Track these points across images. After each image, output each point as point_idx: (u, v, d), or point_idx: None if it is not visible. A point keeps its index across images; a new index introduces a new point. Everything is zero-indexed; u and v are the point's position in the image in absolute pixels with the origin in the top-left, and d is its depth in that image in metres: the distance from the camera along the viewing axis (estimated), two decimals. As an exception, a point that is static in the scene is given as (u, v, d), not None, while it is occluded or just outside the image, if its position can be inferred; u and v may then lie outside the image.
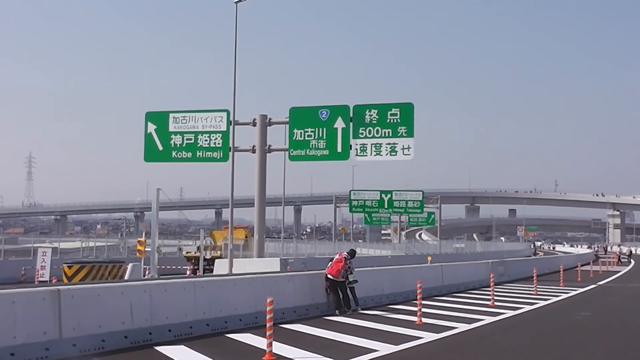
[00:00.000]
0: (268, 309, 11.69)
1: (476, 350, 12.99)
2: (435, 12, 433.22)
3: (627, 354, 12.50)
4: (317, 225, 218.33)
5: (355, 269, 19.43)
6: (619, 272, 47.55)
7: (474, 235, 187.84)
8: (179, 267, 42.84)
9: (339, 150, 31.87)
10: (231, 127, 32.63)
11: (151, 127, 34.08)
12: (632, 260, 70.78)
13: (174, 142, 33.73)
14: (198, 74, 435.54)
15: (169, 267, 42.66)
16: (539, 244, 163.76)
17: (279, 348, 12.06)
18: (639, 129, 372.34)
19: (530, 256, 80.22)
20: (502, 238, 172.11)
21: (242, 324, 15.11)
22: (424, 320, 16.50)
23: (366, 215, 78.79)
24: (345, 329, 15.28)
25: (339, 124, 31.85)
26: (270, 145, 33.66)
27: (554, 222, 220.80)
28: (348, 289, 18.96)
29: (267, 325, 11.53)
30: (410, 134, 31.26)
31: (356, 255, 20.10)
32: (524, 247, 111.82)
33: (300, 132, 32.38)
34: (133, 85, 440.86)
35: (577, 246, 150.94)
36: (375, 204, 70.26)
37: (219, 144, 33.09)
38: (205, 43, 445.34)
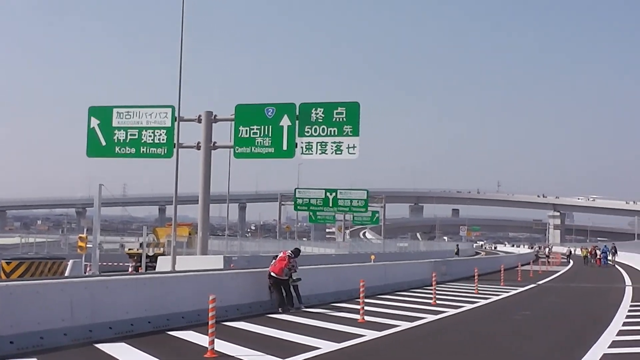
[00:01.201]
0: (210, 306, 11.65)
1: (417, 348, 13.13)
2: (384, 12, 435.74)
3: (564, 352, 12.76)
4: (261, 223, 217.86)
5: (299, 267, 19.47)
6: (558, 272, 48.42)
7: (418, 235, 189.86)
8: (121, 264, 42.41)
9: (285, 148, 31.91)
10: (176, 124, 32.41)
11: (94, 122, 33.66)
12: (571, 260, 72.12)
13: (118, 137, 33.38)
14: (143, 70, 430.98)
15: (111, 264, 42.19)
16: (480, 243, 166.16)
17: (222, 346, 12.02)
18: (579, 132, 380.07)
19: (473, 255, 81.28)
20: (445, 237, 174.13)
21: (184, 322, 15.02)
22: (367, 318, 16.61)
23: (311, 213, 78.86)
24: (288, 326, 15.31)
25: (285, 121, 31.88)
26: (215, 142, 33.53)
27: (496, 222, 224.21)
28: (291, 287, 18.99)
29: (210, 322, 11.50)
30: (355, 133, 31.44)
31: (301, 254, 20.14)
32: (467, 247, 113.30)
33: (246, 130, 32.33)
34: (77, 80, 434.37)
35: (519, 246, 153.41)
36: (320, 203, 70.37)
37: (163, 140, 32.84)
38: (150, 38, 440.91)
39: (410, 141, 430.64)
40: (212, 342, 11.37)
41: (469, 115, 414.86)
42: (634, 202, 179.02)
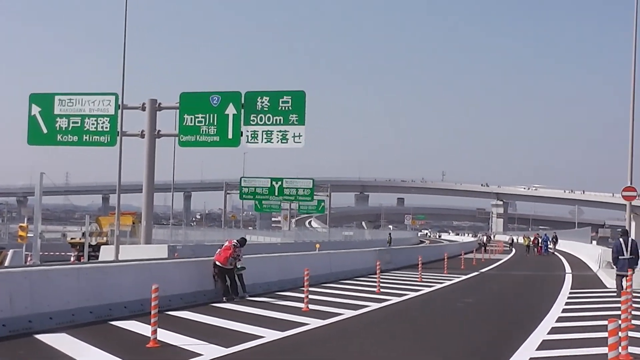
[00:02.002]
0: (153, 295, 11.56)
1: (361, 336, 13.22)
2: (329, 1, 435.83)
3: (504, 338, 12.97)
4: (207, 212, 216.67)
5: (244, 256, 19.45)
6: (500, 260, 49.19)
7: (363, 224, 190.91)
8: (63, 253, 41.81)
9: (230, 136, 31.78)
10: (119, 111, 32.03)
11: (35, 110, 33.05)
12: (513, 248, 73.32)
13: (60, 125, 32.84)
14: (86, 58, 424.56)
15: (52, 253, 41.58)
16: (425, 232, 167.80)
17: (164, 335, 11.95)
18: (522, 123, 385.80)
19: (418, 244, 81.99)
20: (390, 226, 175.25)
21: (127, 311, 14.87)
22: (311, 307, 16.65)
23: (257, 202, 78.85)
24: (232, 315, 15.28)
25: (230, 110, 31.75)
26: (159, 131, 33.24)
27: (440, 211, 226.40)
28: (236, 276, 18.96)
29: (152, 312, 11.42)
30: (301, 121, 31.46)
31: (246, 243, 20.13)
32: (411, 235, 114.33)
33: (191, 118, 32.11)
34: (17, 68, 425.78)
35: (464, 235, 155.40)
36: (265, 192, 70.38)
37: (106, 128, 32.42)
38: (94, 26, 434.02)
39: (356, 130, 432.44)
40: (154, 332, 11.29)
41: (414, 105, 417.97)
42: (573, 192, 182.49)
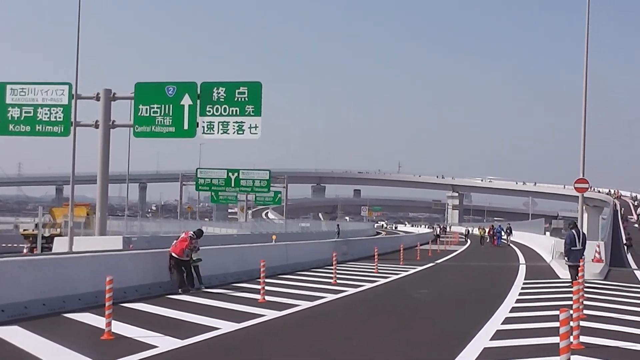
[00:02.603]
0: (108, 287, 11.46)
1: (317, 327, 13.26)
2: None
3: (458, 329, 13.10)
4: (162, 203, 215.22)
5: (201, 248, 19.38)
6: (455, 251, 49.65)
7: (320, 215, 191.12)
8: (15, 245, 41.25)
9: (186, 127, 31.63)
10: (73, 101, 31.64)
11: (-14, 99, 32.48)
12: (468, 239, 74.06)
13: (12, 114, 32.37)
14: (39, 48, 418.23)
15: (4, 245, 41.07)
16: (381, 223, 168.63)
17: (119, 327, 11.86)
18: (478, 115, 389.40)
19: (374, 235, 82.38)
20: (347, 217, 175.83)
21: (81, 304, 14.72)
22: (267, 298, 16.65)
23: (213, 193, 78.54)
24: (188, 307, 15.22)
25: (186, 100, 31.57)
26: (114, 121, 32.95)
27: (396, 203, 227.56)
28: (192, 267, 18.88)
29: (107, 304, 11.32)
30: (257, 113, 31.41)
31: (203, 234, 20.06)
32: (368, 227, 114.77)
33: (146, 108, 31.88)
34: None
35: (420, 226, 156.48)
36: (222, 183, 70.05)
37: (59, 117, 32.02)
38: (48, 15, 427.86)
39: (313, 122, 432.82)
40: (109, 324, 11.20)
41: (370, 97, 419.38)
42: (526, 184, 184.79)
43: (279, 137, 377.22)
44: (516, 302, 17.31)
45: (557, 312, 8.96)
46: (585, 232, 23.23)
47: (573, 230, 21.29)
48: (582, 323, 12.40)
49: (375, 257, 28.67)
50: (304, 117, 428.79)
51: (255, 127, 31.38)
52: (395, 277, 25.09)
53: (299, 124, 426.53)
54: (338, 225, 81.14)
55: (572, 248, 20.85)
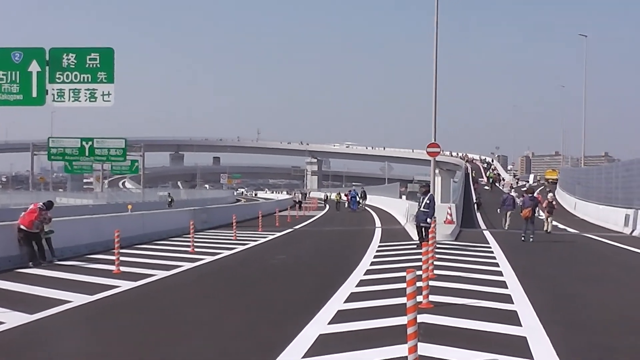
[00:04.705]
0: (-51, 263, 10.96)
1: (172, 297, 13.15)
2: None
3: (314, 292, 13.30)
4: (13, 174, 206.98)
5: (54, 219, 18.80)
6: (314, 216, 50.36)
7: (179, 184, 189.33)
8: None
9: (34, 95, 30.45)
10: None
11: None
12: (327, 204, 75.17)
13: None
14: None
15: None
16: (241, 191, 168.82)
17: (-37, 305, 11.39)
18: (336, 82, 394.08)
19: (234, 203, 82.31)
20: (207, 186, 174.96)
21: None
22: (122, 269, 16.38)
23: (67, 163, 76.13)
24: (39, 281, 14.76)
25: (34, 67, 30.35)
26: (-44, 89, 31.25)
27: (256, 170, 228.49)
28: (44, 239, 18.31)
29: (-51, 281, 10.83)
30: (110, 79, 30.62)
31: (55, 205, 19.46)
32: (227, 194, 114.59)
33: (-9, 75, 30.41)
34: None
35: (280, 193, 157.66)
36: (76, 152, 67.93)
37: None
38: None
39: (171, 90, 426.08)
40: (-48, 302, 10.73)
41: (230, 64, 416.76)
42: (384, 148, 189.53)
43: (136, 104, 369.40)
44: (371, 265, 17.73)
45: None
46: (440, 195, 24.16)
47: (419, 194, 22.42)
48: (432, 283, 12.88)
49: (234, 224, 28.68)
50: (163, 84, 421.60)
51: (108, 94, 30.57)
52: (253, 243, 25.18)
53: (157, 92, 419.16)
54: (169, 193, 78.86)
55: (419, 210, 21.82)
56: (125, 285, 14.12)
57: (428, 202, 21.66)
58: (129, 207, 46.10)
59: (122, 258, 17.21)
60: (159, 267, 17.38)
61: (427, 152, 33.30)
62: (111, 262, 17.13)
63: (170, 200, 69.88)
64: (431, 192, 23.99)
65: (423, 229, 21.64)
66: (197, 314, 11.17)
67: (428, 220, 21.07)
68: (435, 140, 33.19)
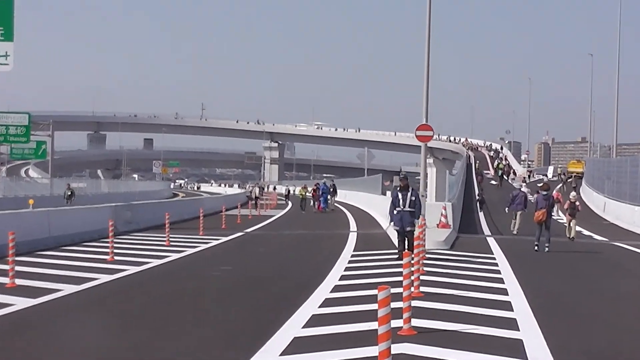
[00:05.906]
0: None
1: (81, 318, 13.10)
2: None
3: (263, 314, 13.28)
4: None
5: None
6: (272, 216, 50.34)
7: (99, 172, 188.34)
8: None
9: None
10: None
11: None
12: (290, 201, 75.09)
13: None
14: None
15: None
16: (180, 182, 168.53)
17: None
18: (302, 44, 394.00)
19: (169, 198, 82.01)
20: (135, 176, 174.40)
21: None
22: (19, 282, 16.25)
23: (-53, 144, 75.35)
24: None
25: None
26: None
27: (200, 156, 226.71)
28: None
29: None
30: (8, 37, 30.47)
31: None
32: (162, 187, 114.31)
33: None
34: None
35: (232, 186, 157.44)
36: (-40, 130, 67.21)
37: None
38: None
39: (89, 54, 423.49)
40: None
41: (164, 17, 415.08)
42: (358, 130, 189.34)
43: (44, 70, 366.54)
44: (340, 280, 17.73)
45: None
46: (434, 190, 24.23)
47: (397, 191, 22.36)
48: (417, 303, 12.90)
49: (167, 226, 28.55)
50: (78, 44, 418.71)
51: (6, 55, 30.31)
52: (191, 251, 25.12)
53: (70, 54, 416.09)
54: (69, 184, 76.53)
55: (396, 210, 21.77)
56: (21, 303, 14.00)
57: (413, 199, 21.70)
58: (31, 202, 45.79)
59: (18, 268, 17.07)
60: (67, 279, 17.26)
61: (417, 137, 32.87)
62: (4, 274, 16.98)
63: (70, 193, 65.23)
64: (422, 187, 24.06)
65: (400, 234, 21.75)
66: (115, 343, 11.08)
67: (415, 222, 21.15)
68: (427, 122, 32.98)
